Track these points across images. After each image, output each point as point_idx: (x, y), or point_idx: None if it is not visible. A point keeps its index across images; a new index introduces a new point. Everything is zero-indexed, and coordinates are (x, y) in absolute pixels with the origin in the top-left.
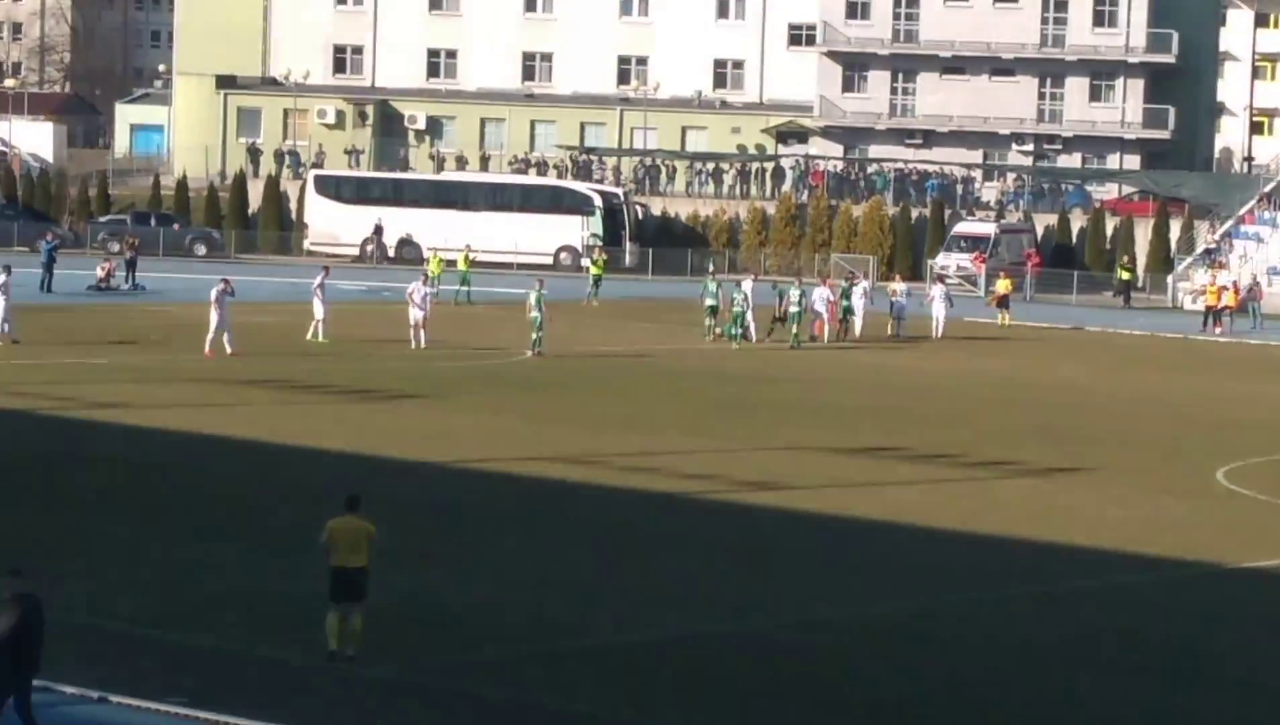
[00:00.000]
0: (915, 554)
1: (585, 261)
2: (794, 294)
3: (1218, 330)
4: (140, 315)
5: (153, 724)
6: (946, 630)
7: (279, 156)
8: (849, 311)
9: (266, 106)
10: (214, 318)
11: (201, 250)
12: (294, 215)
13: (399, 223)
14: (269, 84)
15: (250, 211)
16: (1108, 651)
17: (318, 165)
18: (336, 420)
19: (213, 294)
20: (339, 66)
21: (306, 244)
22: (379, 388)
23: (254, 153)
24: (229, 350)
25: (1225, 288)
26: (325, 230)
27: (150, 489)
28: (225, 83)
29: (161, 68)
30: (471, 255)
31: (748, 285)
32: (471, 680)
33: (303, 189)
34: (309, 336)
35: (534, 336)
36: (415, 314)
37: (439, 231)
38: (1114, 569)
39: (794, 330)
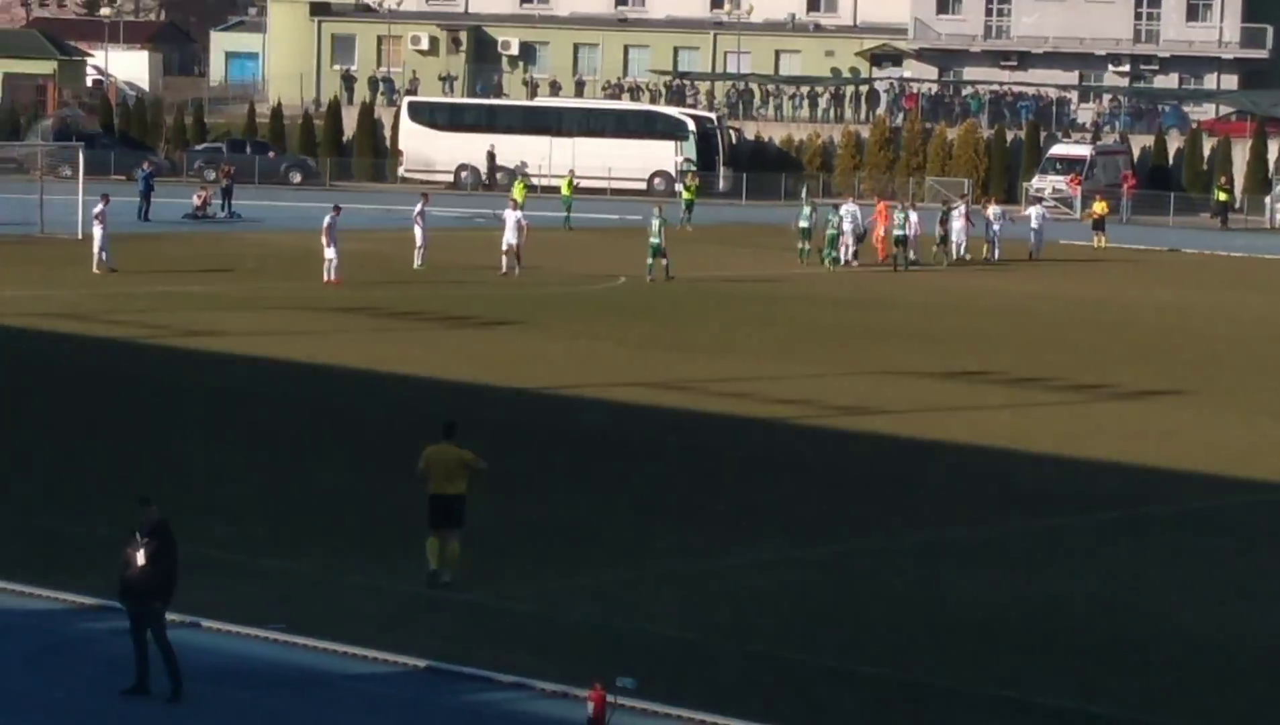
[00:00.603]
0: (1009, 478)
1: (678, 186)
2: (913, 217)
3: None
4: (236, 243)
5: (249, 650)
6: (1036, 554)
7: (373, 84)
8: (901, 240)
9: (361, 33)
10: (329, 248)
11: (296, 178)
12: (388, 142)
13: (500, 149)
14: (363, 10)
15: (345, 139)
16: (1201, 575)
17: (412, 92)
18: (432, 347)
19: (326, 221)
20: None
21: (401, 171)
22: (475, 314)
23: (348, 80)
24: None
25: None
26: (420, 157)
27: (246, 416)
28: (319, 10)
29: None
30: (575, 180)
31: (845, 209)
32: (567, 606)
33: (397, 116)
34: (416, 265)
35: (660, 262)
36: (509, 238)
37: (534, 157)
38: (1212, 492)
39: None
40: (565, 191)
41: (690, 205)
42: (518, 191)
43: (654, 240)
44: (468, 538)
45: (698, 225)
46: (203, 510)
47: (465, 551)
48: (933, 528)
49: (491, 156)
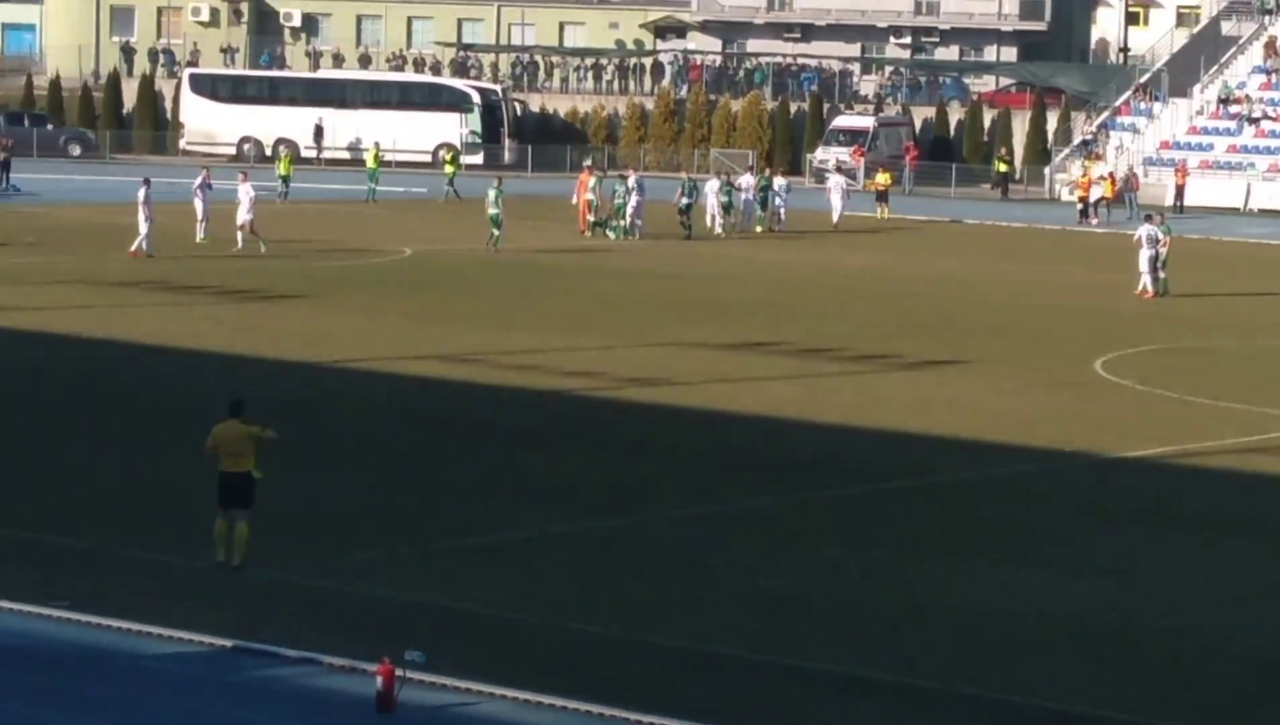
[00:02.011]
0: (796, 448)
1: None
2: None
3: (1093, 221)
4: (14, 217)
5: (33, 629)
6: (824, 524)
7: (153, 55)
8: (686, 208)
9: (140, 5)
10: (142, 219)
11: (76, 151)
12: (169, 115)
13: (278, 121)
14: None
15: (125, 111)
16: (985, 542)
17: (193, 64)
18: (217, 321)
19: (141, 195)
20: None
21: (182, 144)
22: (259, 287)
23: (128, 52)
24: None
25: (1101, 179)
26: (201, 130)
27: (28, 392)
28: None
29: None
30: (381, 153)
31: (631, 180)
32: (354, 581)
33: (178, 88)
34: (199, 238)
35: (493, 233)
36: (242, 214)
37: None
38: (993, 461)
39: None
40: (371, 164)
41: (452, 179)
42: (283, 165)
43: (492, 211)
44: (256, 517)
45: (479, 197)
46: None
47: (253, 531)
48: (721, 499)
49: (319, 131)
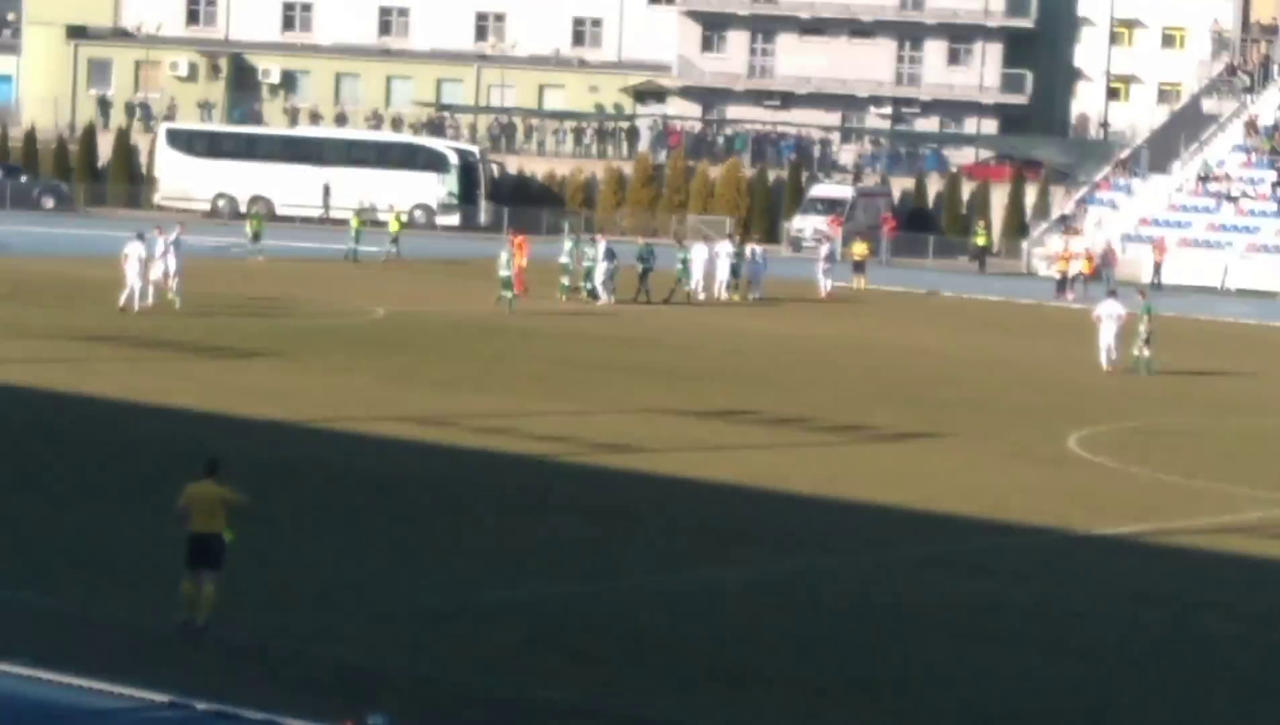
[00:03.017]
0: (768, 518)
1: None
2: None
3: (1070, 296)
4: None
5: None
6: (797, 595)
7: (130, 109)
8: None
9: (118, 58)
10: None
11: (49, 203)
12: (144, 169)
13: (253, 178)
14: (120, 35)
15: (100, 165)
16: (958, 618)
17: (169, 118)
18: (187, 378)
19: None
20: (192, 18)
21: (157, 198)
22: (231, 345)
23: (104, 105)
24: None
25: (1077, 255)
26: (176, 185)
27: None
28: (76, 33)
29: (11, 16)
30: (403, 217)
31: (601, 246)
32: (319, 642)
33: (153, 143)
34: (170, 295)
35: (503, 295)
36: (160, 266)
37: (293, 188)
38: (967, 535)
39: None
40: (394, 226)
41: (395, 239)
42: (252, 224)
43: (504, 273)
44: (223, 576)
45: (456, 260)
46: None
47: (220, 591)
48: (689, 567)
49: (327, 190)
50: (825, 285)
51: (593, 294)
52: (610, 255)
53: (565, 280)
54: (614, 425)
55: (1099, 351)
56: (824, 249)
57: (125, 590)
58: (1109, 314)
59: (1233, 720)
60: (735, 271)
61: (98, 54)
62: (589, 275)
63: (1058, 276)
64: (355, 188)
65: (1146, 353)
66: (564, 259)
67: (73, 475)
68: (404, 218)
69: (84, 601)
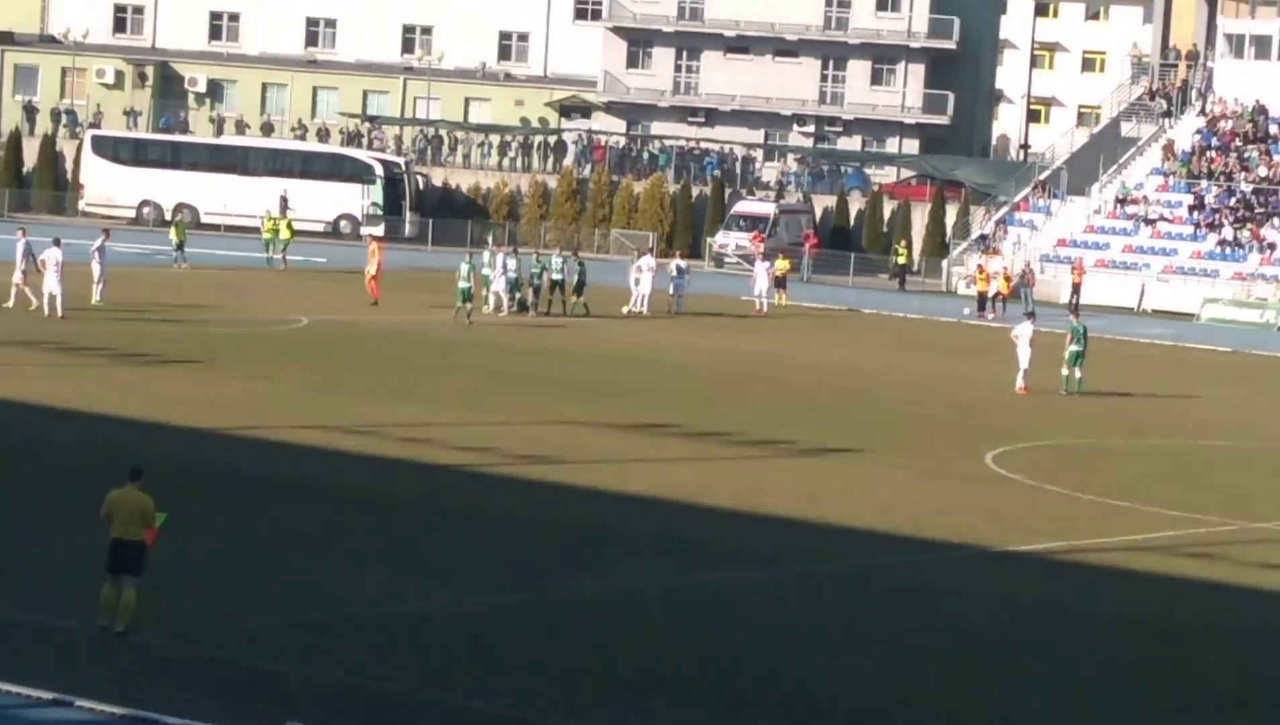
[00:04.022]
0: (685, 531)
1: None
2: (555, 263)
3: (990, 316)
4: None
5: None
6: (712, 608)
7: (56, 116)
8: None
9: (45, 64)
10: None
11: None
12: (70, 176)
13: (179, 186)
14: (48, 41)
15: (25, 171)
16: (872, 632)
17: (95, 126)
18: (107, 384)
19: (52, 256)
20: (119, 26)
21: (82, 205)
22: (154, 352)
23: (30, 111)
24: (59, 312)
25: (995, 275)
26: (102, 191)
27: None
28: (3, 39)
29: None
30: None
31: (500, 257)
32: (239, 649)
33: (79, 149)
34: (95, 300)
35: (459, 305)
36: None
37: (217, 196)
38: (883, 550)
39: (568, 299)
40: (268, 233)
41: (181, 246)
42: (175, 233)
43: (462, 284)
44: (143, 582)
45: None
46: None
47: (141, 596)
48: (611, 579)
49: (284, 200)
50: (763, 301)
51: (524, 306)
52: (505, 267)
53: (486, 292)
54: (536, 436)
55: (1017, 371)
56: (763, 265)
57: (44, 596)
58: (1025, 334)
59: None
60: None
61: (24, 60)
62: (486, 283)
63: (978, 295)
64: (278, 197)
65: (1077, 373)
66: (485, 271)
67: None
68: (292, 225)
69: (2, 607)
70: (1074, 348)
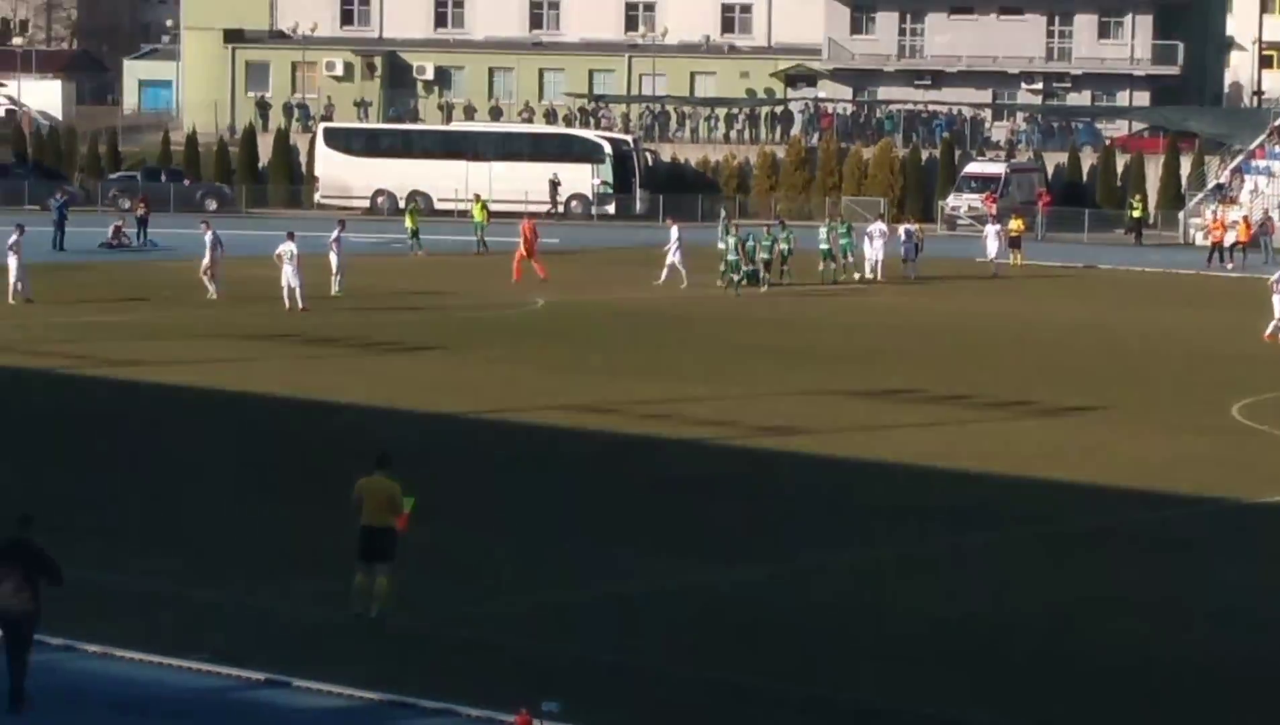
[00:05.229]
0: (933, 496)
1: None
2: (781, 234)
3: (1229, 266)
4: (153, 272)
5: (171, 680)
6: (965, 570)
7: (288, 110)
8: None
9: (275, 60)
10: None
11: (212, 205)
12: (304, 169)
13: (411, 174)
14: (277, 37)
15: (260, 166)
16: (1127, 591)
17: (327, 118)
18: (355, 373)
19: (286, 250)
20: (346, 18)
21: (317, 197)
22: (396, 340)
23: (263, 107)
24: (300, 305)
25: (1234, 223)
26: (336, 183)
27: (169, 446)
28: (233, 37)
29: (169, 23)
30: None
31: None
32: (492, 630)
33: (312, 142)
34: (334, 291)
35: (732, 277)
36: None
37: (449, 182)
38: (1131, 507)
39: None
40: (477, 216)
41: (416, 233)
42: (409, 220)
43: (731, 256)
44: (396, 569)
45: (618, 247)
46: (132, 540)
47: (394, 582)
48: (862, 546)
49: (554, 185)
50: (996, 263)
51: (755, 278)
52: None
53: (725, 267)
54: (777, 408)
55: (1273, 319)
56: (993, 227)
57: (299, 584)
58: None
59: None
60: (829, 256)
61: (255, 57)
62: (747, 261)
63: (1211, 245)
64: (511, 181)
65: None
66: (731, 256)
67: (244, 473)
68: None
69: (259, 596)
70: None
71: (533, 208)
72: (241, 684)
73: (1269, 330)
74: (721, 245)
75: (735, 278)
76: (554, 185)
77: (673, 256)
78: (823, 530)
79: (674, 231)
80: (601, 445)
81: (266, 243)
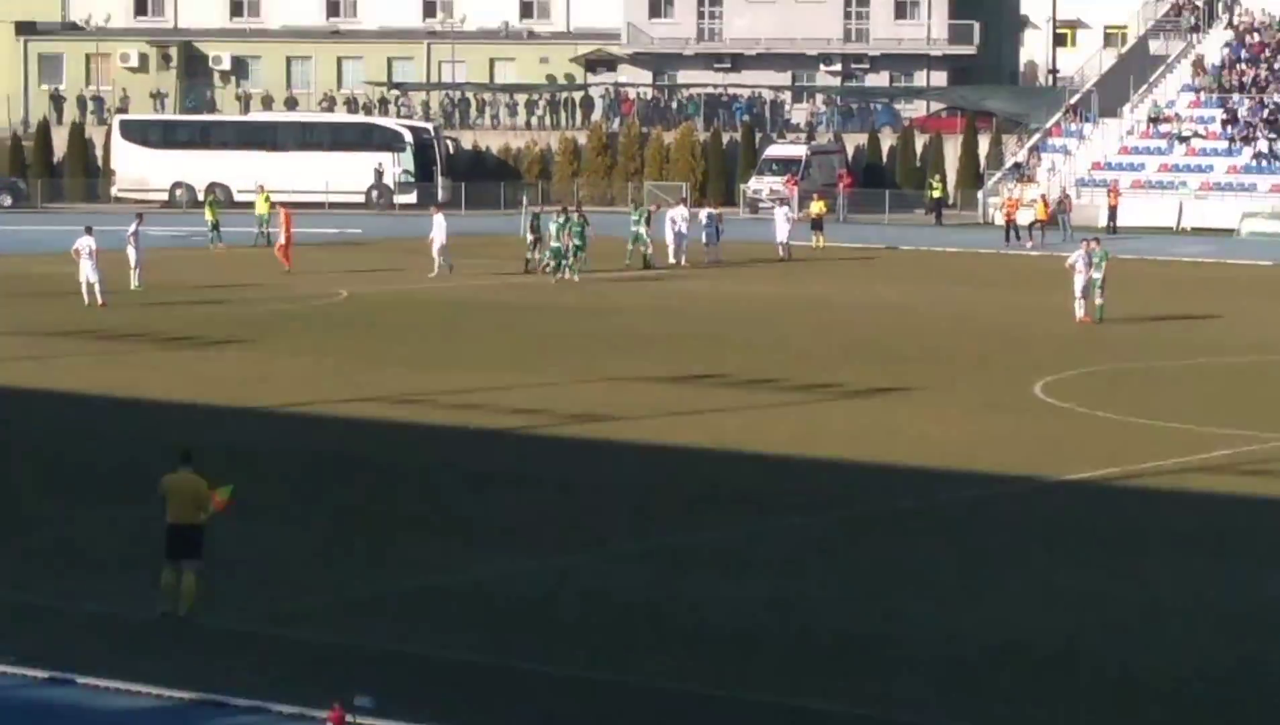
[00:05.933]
0: (739, 480)
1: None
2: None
3: (1028, 244)
4: None
5: None
6: (773, 555)
7: (82, 103)
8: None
9: (68, 52)
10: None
11: (6, 201)
12: (100, 163)
13: (210, 166)
14: (70, 29)
15: (56, 160)
16: (928, 571)
17: (123, 110)
18: (156, 368)
19: (84, 245)
20: (140, 8)
21: (115, 191)
22: (197, 334)
23: (57, 100)
24: (99, 300)
25: (1033, 202)
26: (133, 176)
27: None
28: (25, 29)
29: None
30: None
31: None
32: (302, 627)
33: (108, 135)
34: (133, 286)
35: (552, 263)
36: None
37: (249, 173)
38: (936, 487)
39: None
40: (260, 209)
41: (216, 226)
42: (209, 213)
43: (554, 245)
44: (203, 565)
45: (417, 238)
46: None
47: (202, 580)
48: (669, 533)
49: (379, 173)
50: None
51: (558, 268)
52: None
53: (531, 254)
54: (585, 395)
55: (1073, 300)
56: (782, 211)
57: (103, 583)
58: (1081, 260)
59: (1213, 652)
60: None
61: (48, 49)
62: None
63: (1005, 223)
64: (311, 171)
65: (1099, 300)
66: (554, 243)
67: (41, 473)
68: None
69: (62, 597)
70: (1096, 275)
71: (334, 198)
72: (49, 686)
73: (1079, 312)
74: (531, 234)
75: (555, 265)
76: (379, 174)
77: (437, 246)
78: (633, 518)
79: (438, 219)
80: (408, 436)
81: (63, 238)
